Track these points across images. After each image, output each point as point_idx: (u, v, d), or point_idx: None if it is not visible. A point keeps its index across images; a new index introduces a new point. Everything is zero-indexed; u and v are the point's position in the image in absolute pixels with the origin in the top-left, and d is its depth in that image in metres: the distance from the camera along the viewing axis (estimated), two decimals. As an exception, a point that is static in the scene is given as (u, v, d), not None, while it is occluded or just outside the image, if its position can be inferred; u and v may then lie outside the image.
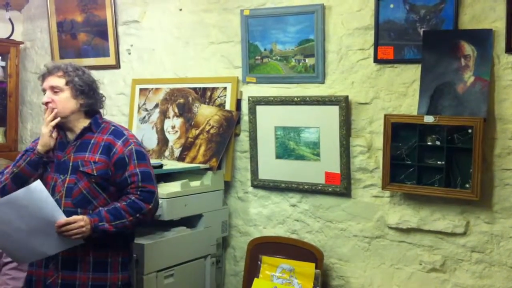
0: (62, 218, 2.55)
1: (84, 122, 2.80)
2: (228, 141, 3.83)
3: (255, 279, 3.53)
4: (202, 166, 3.75)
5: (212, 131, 3.87)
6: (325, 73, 3.58)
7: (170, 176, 3.54)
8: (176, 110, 4.11)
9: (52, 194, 2.67)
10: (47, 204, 2.53)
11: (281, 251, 3.60)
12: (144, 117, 4.27)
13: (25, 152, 2.82)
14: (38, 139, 2.78)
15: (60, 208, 2.63)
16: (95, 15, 4.60)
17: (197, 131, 3.93)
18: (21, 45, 5.07)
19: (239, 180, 3.94)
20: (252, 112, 3.79)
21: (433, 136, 3.21)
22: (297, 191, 3.71)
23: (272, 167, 3.78)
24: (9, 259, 3.83)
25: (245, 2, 3.84)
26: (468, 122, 3.07)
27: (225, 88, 3.93)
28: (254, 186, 3.87)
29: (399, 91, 3.35)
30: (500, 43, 3.06)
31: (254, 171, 3.84)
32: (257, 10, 3.78)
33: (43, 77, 2.79)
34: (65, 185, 2.70)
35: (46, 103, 2.75)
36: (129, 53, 4.48)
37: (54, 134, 2.78)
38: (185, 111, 4.07)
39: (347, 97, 3.47)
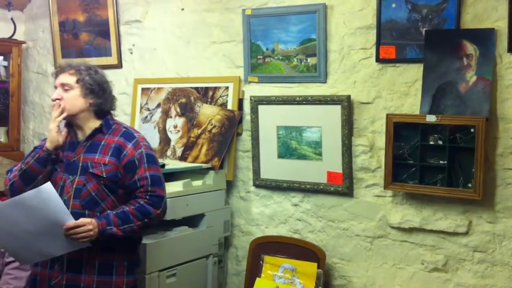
0: (70, 221, 2.53)
1: (95, 123, 2.79)
2: (230, 140, 3.83)
3: (257, 278, 3.53)
4: (204, 165, 3.75)
5: (214, 130, 3.88)
6: (327, 72, 3.57)
7: (172, 176, 3.54)
8: (178, 110, 4.11)
9: (61, 195, 2.66)
10: (57, 206, 2.51)
11: (283, 250, 3.60)
12: (146, 117, 4.27)
13: (34, 149, 2.81)
14: None
15: (68, 209, 2.61)
16: (97, 15, 4.60)
17: (199, 131, 3.93)
18: (23, 45, 5.07)
19: (241, 180, 3.94)
20: (254, 111, 3.79)
21: (435, 135, 3.21)
22: (299, 190, 3.71)
23: (274, 167, 3.78)
24: (11, 259, 3.85)
25: (247, 1, 3.84)
26: (470, 122, 3.07)
27: (227, 88, 3.93)
28: (256, 185, 3.87)
29: (401, 91, 3.35)
30: (502, 42, 3.05)
31: (256, 170, 3.84)
32: (259, 9, 3.78)
33: (56, 74, 2.79)
34: (74, 186, 2.69)
35: (56, 100, 2.73)
36: (131, 53, 4.48)
37: (64, 132, 2.77)
38: (187, 111, 4.07)
39: (349, 96, 3.46)
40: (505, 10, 3.03)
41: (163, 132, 4.17)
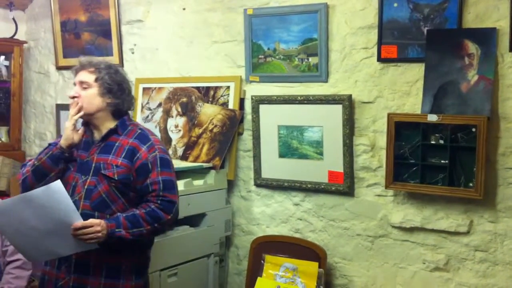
0: (79, 221, 2.49)
1: (111, 123, 2.74)
2: (231, 140, 3.83)
3: (258, 278, 3.54)
4: (205, 165, 3.75)
5: (215, 130, 3.88)
6: (329, 72, 3.57)
7: (173, 175, 3.54)
8: (179, 109, 4.11)
9: (72, 195, 2.64)
10: (65, 206, 2.47)
11: (284, 250, 3.60)
12: (147, 116, 4.27)
13: (49, 145, 2.79)
14: None
15: (78, 209, 2.59)
16: (99, 15, 4.61)
17: (200, 130, 3.94)
18: (25, 45, 5.08)
19: (242, 179, 3.94)
20: (255, 111, 3.79)
21: (437, 135, 3.21)
22: (300, 190, 3.71)
23: (275, 166, 3.78)
24: (12, 258, 3.85)
25: (249, 1, 3.85)
26: (471, 121, 3.06)
27: (228, 87, 3.93)
28: (257, 185, 3.87)
29: (402, 90, 3.35)
30: (504, 41, 3.05)
31: (257, 170, 3.84)
32: (261, 9, 3.78)
33: (76, 71, 2.74)
34: (85, 186, 2.66)
35: (73, 97, 2.70)
36: (133, 53, 4.49)
37: (81, 131, 2.74)
38: (188, 110, 4.07)
39: (350, 96, 3.47)
40: (506, 9, 3.03)
41: (164, 132, 4.17)
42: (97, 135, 2.75)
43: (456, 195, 3.18)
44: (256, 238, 3.77)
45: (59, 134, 4.91)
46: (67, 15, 4.81)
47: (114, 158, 2.66)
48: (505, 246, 3.13)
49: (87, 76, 2.70)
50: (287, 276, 3.51)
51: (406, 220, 3.36)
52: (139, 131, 2.76)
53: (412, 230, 3.37)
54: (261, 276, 3.55)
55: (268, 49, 3.77)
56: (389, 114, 3.30)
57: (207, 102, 3.99)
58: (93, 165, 2.67)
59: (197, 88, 4.06)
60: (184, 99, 4.10)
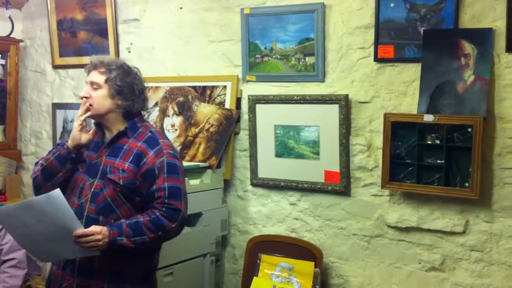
0: (79, 229, 2.45)
1: (122, 125, 2.70)
2: (227, 139, 3.83)
3: (254, 277, 3.53)
4: (201, 164, 3.75)
5: (211, 129, 3.87)
6: (325, 71, 3.58)
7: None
8: (176, 109, 4.11)
9: (79, 197, 2.63)
10: (65, 214, 2.43)
11: (281, 249, 3.60)
12: (144, 115, 4.26)
13: (57, 145, 2.77)
14: None
15: (84, 212, 2.58)
16: (95, 13, 4.60)
17: (197, 130, 3.93)
18: (21, 43, 5.07)
19: (238, 179, 3.94)
20: (252, 110, 3.79)
21: (433, 135, 3.21)
22: (297, 189, 3.71)
23: (271, 166, 3.78)
24: (7, 257, 3.85)
25: (246, 0, 3.84)
26: (468, 121, 3.07)
27: (225, 87, 3.93)
28: (254, 184, 3.87)
29: (399, 90, 3.35)
30: (500, 42, 3.06)
31: (254, 169, 3.83)
32: (258, 8, 3.78)
33: (88, 70, 2.69)
34: (92, 189, 2.62)
35: (83, 97, 2.67)
36: (129, 52, 4.48)
37: (92, 131, 2.71)
38: (184, 110, 4.07)
39: (347, 95, 3.47)
40: (503, 10, 3.04)
41: (160, 131, 4.16)
42: (108, 136, 2.71)
43: (452, 195, 3.18)
44: (252, 238, 3.77)
45: (54, 133, 4.91)
46: (63, 14, 4.80)
47: (121, 161, 2.62)
48: (500, 246, 3.14)
49: (98, 77, 2.65)
50: (283, 275, 3.51)
51: (402, 220, 3.36)
52: (149, 134, 2.70)
53: (408, 230, 3.37)
54: (257, 275, 3.55)
55: (265, 48, 3.77)
56: (385, 114, 3.30)
57: (204, 102, 3.99)
58: (101, 167, 2.64)
59: (194, 87, 4.06)
60: (181, 99, 4.10)
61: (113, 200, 2.60)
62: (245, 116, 3.86)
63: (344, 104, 3.45)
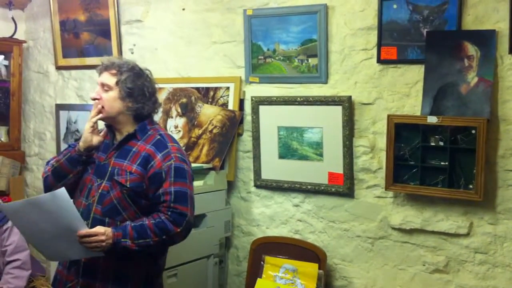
0: (83, 229, 2.46)
1: (132, 127, 2.69)
2: (231, 141, 3.83)
3: (258, 279, 3.53)
4: (205, 166, 3.75)
5: (215, 131, 3.87)
6: (328, 73, 3.57)
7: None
8: (179, 110, 4.11)
9: (86, 198, 2.64)
10: (70, 213, 2.45)
11: (284, 251, 3.60)
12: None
13: (68, 147, 2.77)
14: None
15: (90, 213, 2.58)
16: (98, 14, 4.60)
17: (200, 131, 3.93)
18: (24, 44, 5.08)
19: (242, 180, 3.94)
20: (255, 112, 3.78)
21: (436, 136, 3.20)
22: (300, 191, 3.71)
23: (275, 167, 3.78)
24: (12, 258, 3.87)
25: (248, 1, 3.84)
26: (471, 123, 3.06)
27: (228, 88, 3.93)
28: (257, 186, 3.87)
29: (402, 92, 3.34)
30: (504, 43, 3.04)
31: (257, 171, 3.83)
32: (260, 10, 3.77)
33: (100, 71, 2.69)
34: (99, 190, 2.62)
35: (95, 99, 2.66)
36: (132, 53, 4.48)
37: (103, 133, 2.72)
38: (187, 111, 4.07)
39: (350, 97, 3.46)
40: (506, 11, 3.02)
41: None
42: (118, 138, 2.71)
43: (456, 197, 3.17)
44: (255, 239, 3.77)
45: (58, 134, 4.92)
46: (66, 15, 4.80)
47: (129, 164, 2.62)
48: (505, 248, 3.13)
49: (109, 79, 2.64)
50: (287, 277, 3.51)
51: (406, 222, 3.36)
52: (158, 137, 2.69)
53: (412, 231, 3.36)
54: (260, 277, 3.55)
55: (268, 50, 3.76)
56: (389, 116, 3.30)
57: (207, 103, 3.99)
58: (109, 169, 2.64)
59: (197, 88, 4.06)
60: (184, 100, 4.09)
61: (120, 202, 2.60)
62: (248, 117, 3.86)
63: (347, 105, 3.44)
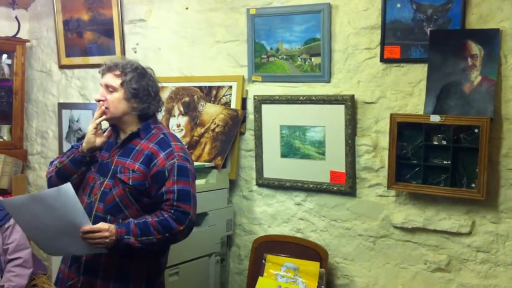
0: (87, 225, 2.46)
1: (136, 126, 2.69)
2: (233, 139, 3.83)
3: (260, 277, 3.53)
4: (207, 164, 3.75)
5: (217, 129, 3.88)
6: (331, 72, 3.57)
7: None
8: (182, 109, 4.11)
9: (89, 196, 2.64)
10: (74, 209, 2.44)
11: (286, 250, 3.60)
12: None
13: (71, 147, 2.78)
14: None
15: (92, 211, 2.58)
16: (101, 14, 4.61)
17: (202, 130, 3.94)
18: (27, 43, 5.10)
19: (244, 179, 3.94)
20: (258, 110, 3.79)
21: (439, 135, 3.20)
22: (302, 190, 3.71)
23: (277, 166, 3.78)
24: (13, 256, 3.87)
25: (251, 1, 3.84)
26: (474, 122, 3.06)
27: (230, 87, 3.93)
28: (259, 184, 3.87)
29: (405, 91, 3.35)
30: (507, 42, 3.05)
31: (259, 169, 3.83)
32: (264, 9, 3.78)
33: (102, 72, 2.69)
34: (102, 188, 2.63)
35: (99, 101, 2.66)
36: (135, 52, 4.49)
37: (107, 133, 2.72)
38: (190, 110, 4.07)
39: (353, 96, 3.46)
40: (510, 10, 3.03)
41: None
42: (122, 137, 2.71)
43: (458, 196, 3.17)
44: (257, 238, 3.76)
45: (60, 133, 4.92)
46: (69, 14, 4.81)
47: (131, 162, 2.62)
48: (507, 247, 3.13)
49: (113, 80, 2.64)
50: (288, 276, 3.50)
51: (408, 221, 3.36)
52: (162, 136, 2.69)
53: (414, 230, 3.36)
54: (262, 275, 3.54)
55: (271, 49, 3.77)
56: (391, 115, 3.30)
57: (209, 102, 3.99)
58: (112, 167, 2.64)
59: (200, 87, 4.06)
60: (186, 99, 4.10)
61: (122, 200, 2.60)
62: (250, 116, 3.86)
63: (350, 104, 3.45)
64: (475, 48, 3.11)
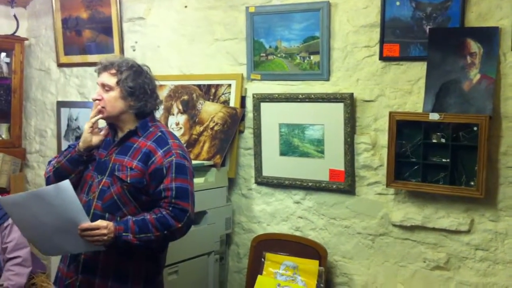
0: (85, 222, 2.45)
1: (133, 124, 2.69)
2: (232, 138, 3.83)
3: (259, 276, 3.53)
4: (206, 163, 3.75)
5: (216, 128, 3.88)
6: (330, 70, 3.57)
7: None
8: (180, 107, 4.11)
9: (87, 194, 2.64)
10: (73, 206, 2.44)
11: (285, 248, 3.60)
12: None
13: (68, 147, 2.77)
14: None
15: (91, 209, 2.58)
16: (100, 12, 4.60)
17: (201, 128, 3.93)
18: (26, 42, 5.09)
19: (243, 177, 3.94)
20: (257, 109, 3.78)
21: (438, 133, 3.20)
22: (301, 188, 3.71)
23: (276, 164, 3.78)
24: (12, 255, 3.87)
25: (250, -1, 3.85)
26: (473, 120, 3.06)
27: (229, 85, 3.93)
28: (258, 183, 3.87)
29: (404, 89, 3.35)
30: (506, 41, 3.05)
31: (258, 168, 3.83)
32: (263, 7, 3.78)
33: (98, 71, 2.69)
34: (100, 186, 2.63)
35: (95, 100, 2.66)
36: (134, 50, 4.49)
37: (103, 132, 2.73)
38: (189, 108, 4.07)
39: (352, 94, 3.46)
40: (509, 8, 3.03)
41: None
42: (119, 135, 2.71)
43: (457, 194, 3.17)
44: (256, 236, 3.76)
45: (59, 131, 4.92)
46: (68, 12, 4.81)
47: (129, 160, 2.62)
48: (506, 245, 3.13)
49: (109, 79, 2.64)
50: (288, 274, 3.50)
51: (407, 219, 3.36)
52: (159, 133, 2.69)
53: (413, 228, 3.36)
54: (261, 274, 3.54)
55: (270, 47, 3.77)
56: (390, 113, 3.30)
57: (208, 100, 3.99)
58: (110, 165, 2.64)
59: (198, 86, 4.06)
60: (185, 97, 4.09)
61: (120, 198, 2.60)
62: (249, 114, 3.86)
63: (349, 102, 3.45)
64: (474, 46, 3.11)
